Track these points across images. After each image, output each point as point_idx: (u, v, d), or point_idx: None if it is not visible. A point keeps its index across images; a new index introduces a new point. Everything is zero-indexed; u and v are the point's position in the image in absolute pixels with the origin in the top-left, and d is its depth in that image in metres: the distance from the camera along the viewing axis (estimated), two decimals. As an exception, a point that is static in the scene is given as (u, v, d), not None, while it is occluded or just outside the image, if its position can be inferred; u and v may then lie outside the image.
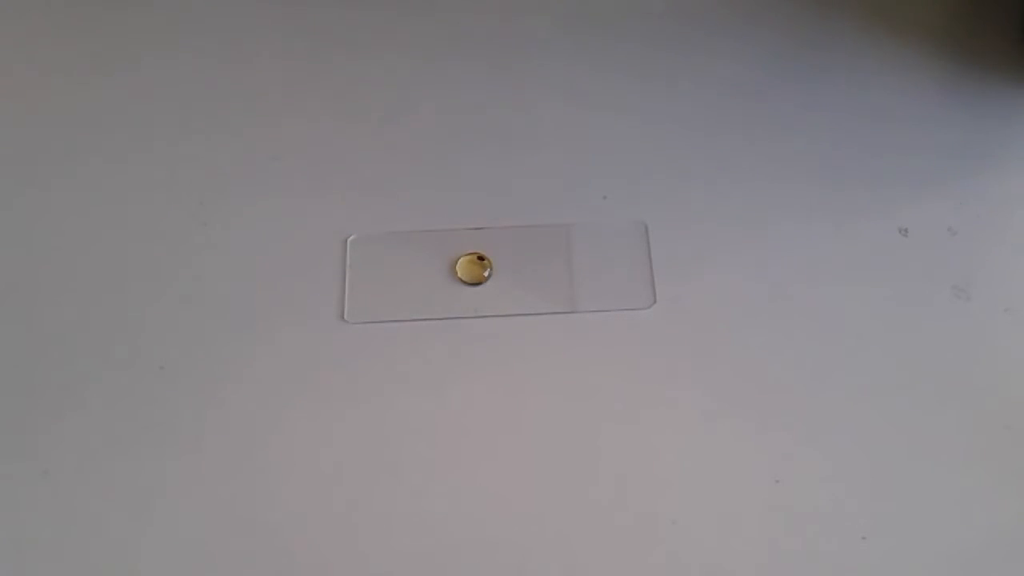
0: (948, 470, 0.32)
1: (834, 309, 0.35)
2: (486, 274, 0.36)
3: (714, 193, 0.38)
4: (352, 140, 0.39)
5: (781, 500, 0.32)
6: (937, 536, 0.31)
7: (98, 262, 0.37)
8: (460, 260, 0.36)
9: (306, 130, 0.39)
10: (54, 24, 0.43)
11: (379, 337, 0.35)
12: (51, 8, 0.43)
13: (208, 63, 0.41)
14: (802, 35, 0.42)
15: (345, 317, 0.35)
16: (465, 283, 0.36)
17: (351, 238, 0.37)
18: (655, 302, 0.35)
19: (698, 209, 0.37)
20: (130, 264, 0.37)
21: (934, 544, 0.31)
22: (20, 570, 0.31)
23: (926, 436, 0.33)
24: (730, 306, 0.35)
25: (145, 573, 0.31)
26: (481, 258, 0.36)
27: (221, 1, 0.43)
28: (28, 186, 0.38)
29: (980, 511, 0.32)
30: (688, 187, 0.38)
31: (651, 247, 0.37)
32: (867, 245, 0.37)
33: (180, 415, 0.34)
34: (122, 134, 0.39)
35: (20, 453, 0.33)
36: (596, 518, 0.32)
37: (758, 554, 0.31)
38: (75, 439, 0.33)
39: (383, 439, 0.33)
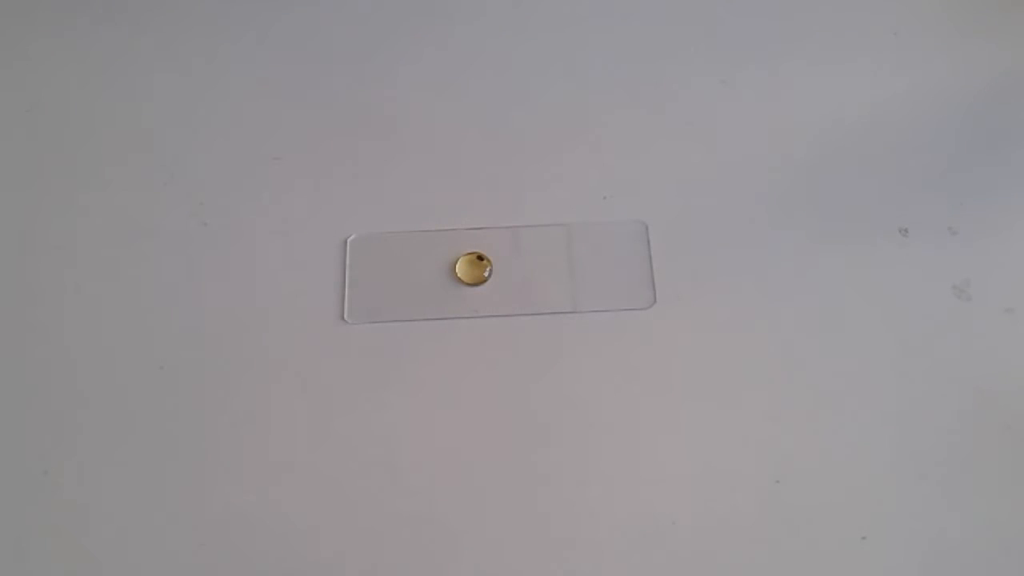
0: (948, 470, 0.32)
1: (834, 309, 0.35)
2: (486, 274, 0.36)
3: (714, 193, 0.38)
4: (352, 140, 0.39)
5: (781, 500, 0.32)
6: (937, 536, 0.31)
7: (98, 262, 0.37)
8: (460, 260, 0.36)
9: (306, 130, 0.39)
10: (55, 22, 0.43)
11: (379, 337, 0.35)
12: (53, 5, 0.43)
13: (208, 62, 0.41)
14: (802, 33, 0.42)
15: (345, 317, 0.35)
16: (465, 283, 0.36)
17: (351, 238, 0.37)
18: (655, 302, 0.35)
19: (698, 209, 0.37)
20: (130, 264, 0.36)
21: (934, 544, 0.31)
22: (20, 570, 0.31)
23: (926, 436, 0.33)
24: (730, 306, 0.35)
25: (145, 573, 0.31)
26: (481, 258, 0.36)
27: (223, 1, 0.43)
28: (29, 186, 0.38)
29: (980, 511, 0.32)
30: (688, 187, 0.38)
31: (651, 247, 0.37)
32: (867, 245, 0.36)
33: (180, 415, 0.34)
34: (123, 134, 0.39)
35: (20, 453, 0.33)
36: (596, 518, 0.32)
37: (758, 554, 0.31)
38: (75, 439, 0.33)
39: (383, 439, 0.33)
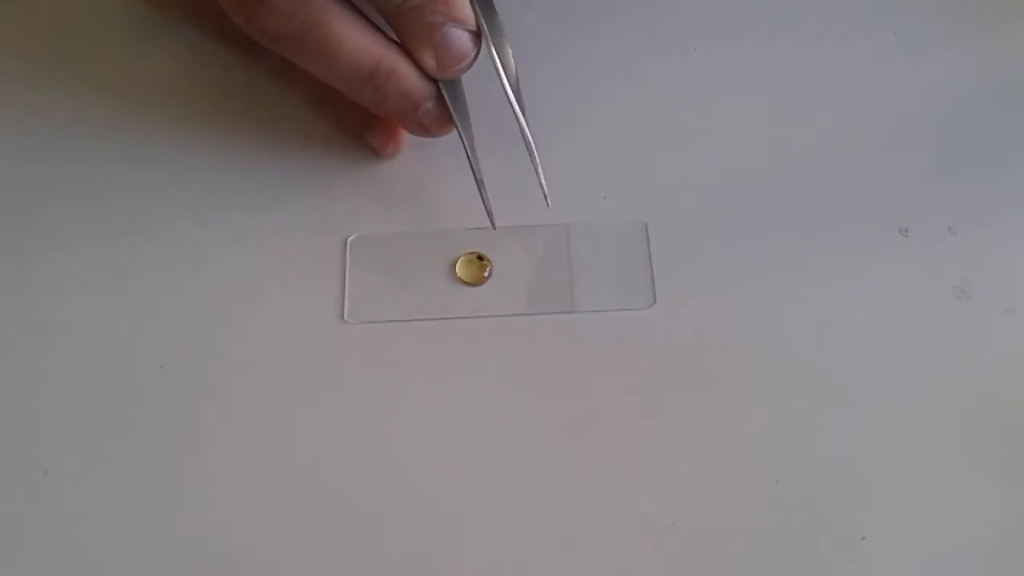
0: (948, 470, 0.32)
1: (834, 309, 0.35)
2: (486, 274, 0.36)
3: (714, 193, 0.38)
4: (352, 139, 0.39)
5: (781, 500, 0.32)
6: (937, 536, 0.31)
7: (98, 261, 0.37)
8: (460, 260, 0.36)
9: (307, 129, 0.39)
10: (53, 21, 0.43)
11: (379, 337, 0.35)
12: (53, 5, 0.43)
13: (209, 61, 0.40)
14: (802, 32, 0.42)
15: (345, 317, 0.35)
16: (465, 283, 0.36)
17: (351, 238, 0.37)
18: (655, 302, 0.35)
19: (698, 209, 0.37)
20: (130, 264, 0.36)
21: (934, 544, 0.31)
22: (20, 570, 0.31)
23: (926, 436, 0.33)
24: (730, 306, 0.35)
25: (145, 573, 0.31)
26: (481, 258, 0.36)
27: None
28: (28, 184, 0.38)
29: (980, 511, 0.32)
30: (688, 187, 0.38)
31: (651, 247, 0.37)
32: (867, 245, 0.36)
33: (180, 415, 0.34)
34: (124, 133, 0.39)
35: (20, 453, 0.33)
36: (596, 518, 0.32)
37: (758, 554, 0.31)
38: (75, 439, 0.33)
39: (383, 439, 0.33)
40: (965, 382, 0.34)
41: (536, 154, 0.35)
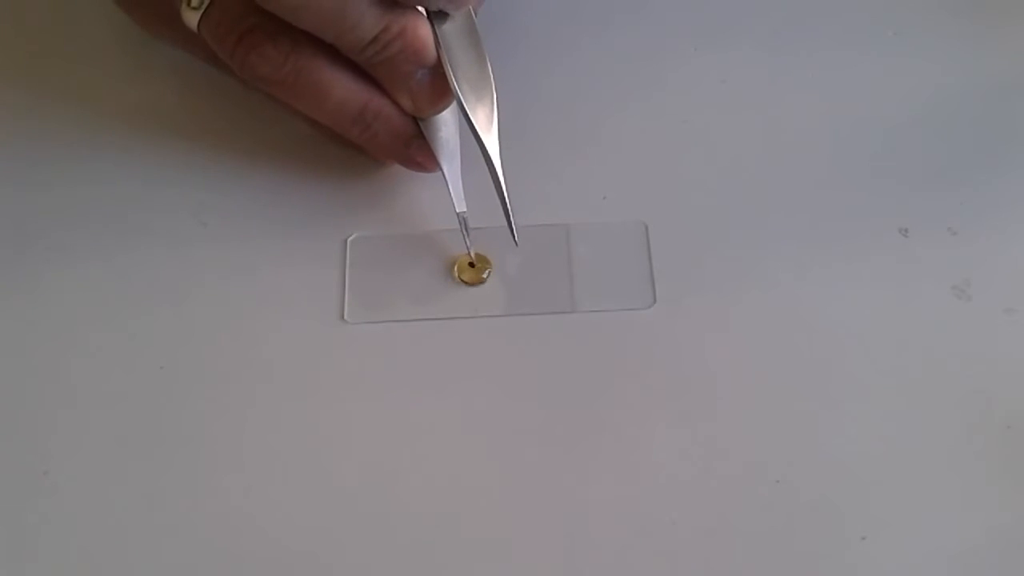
0: (948, 470, 0.32)
1: (834, 309, 0.35)
2: (485, 275, 0.36)
3: (714, 193, 0.38)
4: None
5: (781, 500, 0.32)
6: (937, 536, 0.31)
7: (98, 261, 0.37)
8: (459, 260, 0.36)
9: (306, 129, 0.39)
10: (55, 32, 0.43)
11: (379, 337, 0.35)
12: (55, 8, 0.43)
13: (209, 68, 0.40)
14: (802, 32, 0.42)
15: (345, 317, 0.35)
16: (465, 283, 0.36)
17: (351, 238, 0.37)
18: (655, 302, 0.35)
19: (698, 209, 0.37)
20: (130, 264, 0.37)
21: (934, 544, 0.31)
22: (20, 570, 0.31)
23: (926, 436, 0.33)
24: (730, 306, 0.35)
25: (144, 573, 0.31)
26: (475, 263, 0.36)
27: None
28: (28, 184, 0.38)
29: (980, 511, 0.32)
30: (688, 187, 0.38)
31: (651, 247, 0.37)
32: (867, 245, 0.37)
33: (180, 415, 0.34)
34: (123, 133, 0.39)
35: (20, 453, 0.33)
36: (595, 518, 0.32)
37: (758, 554, 0.31)
38: (75, 439, 0.33)
39: (383, 439, 0.33)
40: (965, 382, 0.34)
41: (509, 202, 0.34)
